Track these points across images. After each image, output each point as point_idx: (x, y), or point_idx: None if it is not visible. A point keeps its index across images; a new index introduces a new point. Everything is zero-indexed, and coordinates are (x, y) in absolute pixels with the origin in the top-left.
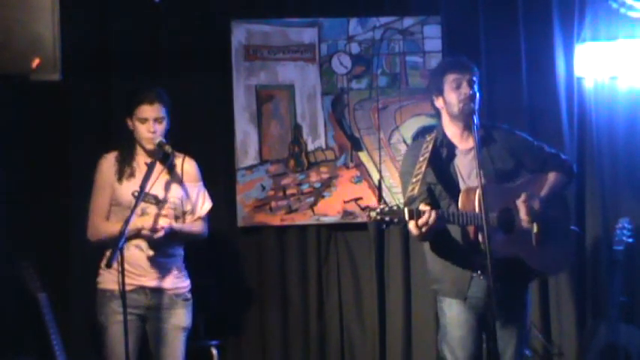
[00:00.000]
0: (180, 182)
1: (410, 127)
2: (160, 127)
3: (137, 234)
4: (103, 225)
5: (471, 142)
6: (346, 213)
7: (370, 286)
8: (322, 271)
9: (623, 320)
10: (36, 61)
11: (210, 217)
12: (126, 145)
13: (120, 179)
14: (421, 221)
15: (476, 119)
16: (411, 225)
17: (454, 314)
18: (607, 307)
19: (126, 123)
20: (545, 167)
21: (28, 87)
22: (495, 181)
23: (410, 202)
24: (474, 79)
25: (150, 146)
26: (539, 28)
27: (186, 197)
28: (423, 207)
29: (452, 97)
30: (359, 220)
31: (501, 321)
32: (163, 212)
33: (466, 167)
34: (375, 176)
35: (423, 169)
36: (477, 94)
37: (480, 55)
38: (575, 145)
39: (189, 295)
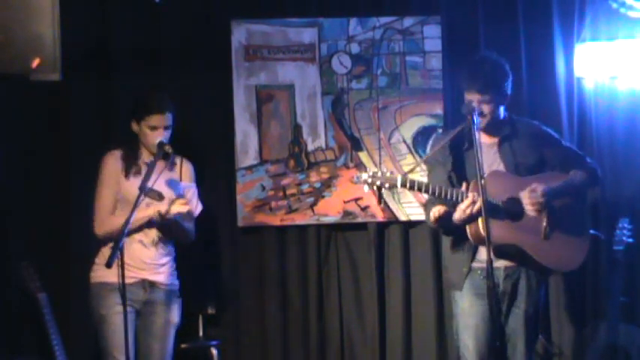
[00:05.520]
0: (179, 181)
1: (410, 127)
2: (167, 134)
3: (145, 225)
4: (111, 219)
5: (493, 139)
6: (346, 213)
7: (370, 286)
8: (322, 271)
9: (623, 320)
10: (36, 61)
11: (209, 217)
12: (130, 144)
13: (127, 175)
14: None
15: (476, 118)
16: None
17: (466, 304)
18: (607, 307)
19: (130, 125)
20: (566, 166)
21: (28, 87)
22: (515, 173)
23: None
24: (489, 97)
25: (155, 151)
26: (539, 28)
27: (182, 195)
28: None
29: None
30: (359, 220)
31: (514, 312)
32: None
33: (487, 160)
34: None
35: (440, 149)
36: (489, 112)
37: None
38: (575, 146)
39: (179, 293)
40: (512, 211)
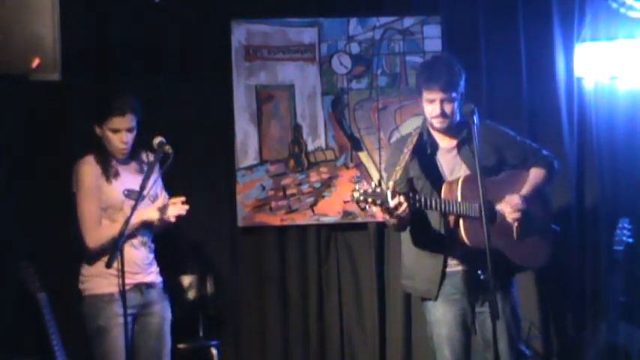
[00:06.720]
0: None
1: (410, 127)
2: (132, 136)
3: (138, 228)
4: (101, 230)
5: (452, 142)
6: (346, 213)
7: (370, 286)
8: (322, 271)
9: (623, 320)
10: (36, 61)
11: (209, 217)
12: (99, 148)
13: (108, 179)
14: (393, 203)
15: (476, 119)
16: (387, 213)
17: (439, 313)
18: (607, 307)
19: (94, 129)
20: (526, 163)
21: (28, 87)
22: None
23: (395, 185)
24: (451, 96)
25: (121, 156)
26: (539, 28)
27: (157, 189)
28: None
29: (426, 110)
30: (359, 220)
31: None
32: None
33: (448, 164)
34: (375, 176)
35: (407, 157)
36: (451, 112)
37: (480, 55)
38: (575, 145)
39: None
40: (487, 214)
